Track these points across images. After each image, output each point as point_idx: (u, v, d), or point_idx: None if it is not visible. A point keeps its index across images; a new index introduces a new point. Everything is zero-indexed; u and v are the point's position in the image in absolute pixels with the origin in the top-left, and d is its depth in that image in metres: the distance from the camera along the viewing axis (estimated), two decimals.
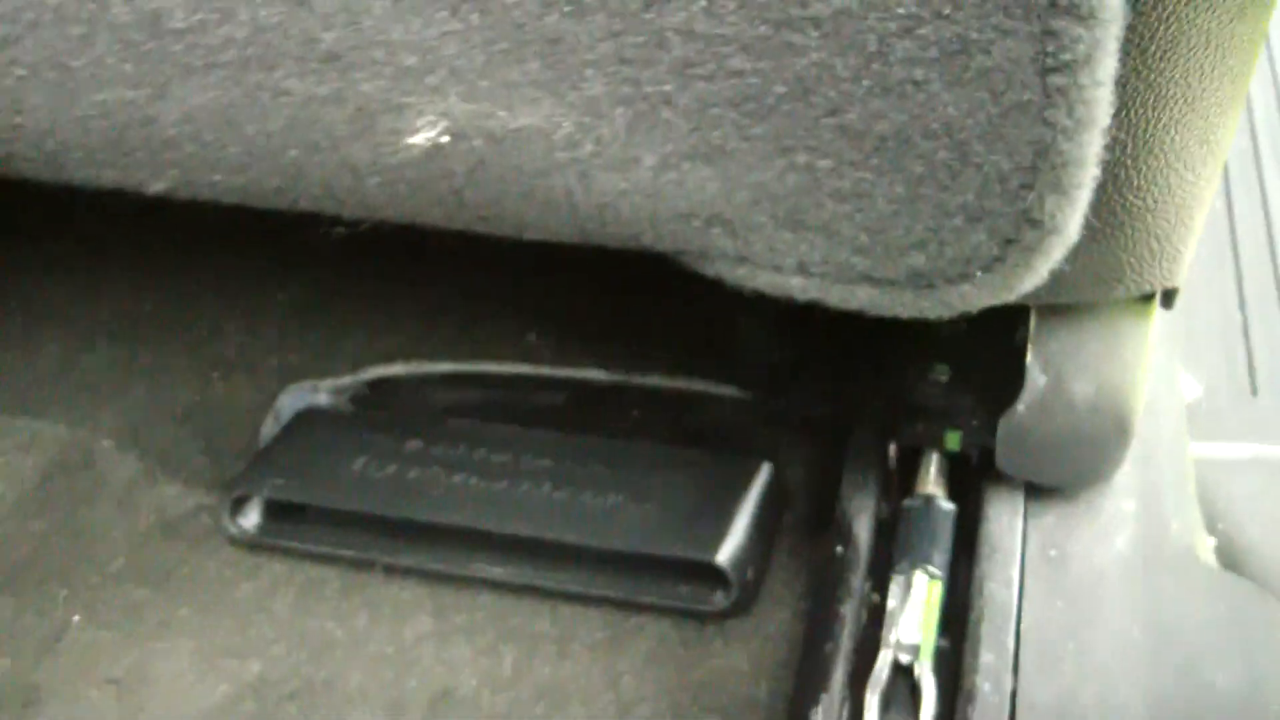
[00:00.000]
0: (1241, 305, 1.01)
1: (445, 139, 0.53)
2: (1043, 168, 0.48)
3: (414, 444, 0.85)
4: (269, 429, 0.92)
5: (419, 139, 0.53)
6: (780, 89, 0.49)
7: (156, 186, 0.60)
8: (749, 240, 0.55)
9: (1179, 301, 0.96)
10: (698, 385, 0.90)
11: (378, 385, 0.94)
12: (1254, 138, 1.21)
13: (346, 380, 0.94)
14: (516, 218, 0.56)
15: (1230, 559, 0.77)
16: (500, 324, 0.96)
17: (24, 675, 0.76)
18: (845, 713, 0.65)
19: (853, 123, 0.49)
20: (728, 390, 0.89)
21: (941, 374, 0.74)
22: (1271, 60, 1.37)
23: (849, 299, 0.56)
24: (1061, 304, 0.64)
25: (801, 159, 0.51)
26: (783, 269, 0.56)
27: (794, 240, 0.54)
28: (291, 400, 0.93)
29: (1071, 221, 0.51)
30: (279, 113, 0.54)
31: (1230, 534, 0.79)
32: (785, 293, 0.57)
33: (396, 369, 0.94)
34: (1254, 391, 0.94)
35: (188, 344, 1.00)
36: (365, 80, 0.52)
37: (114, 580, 0.82)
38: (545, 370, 0.92)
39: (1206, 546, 0.77)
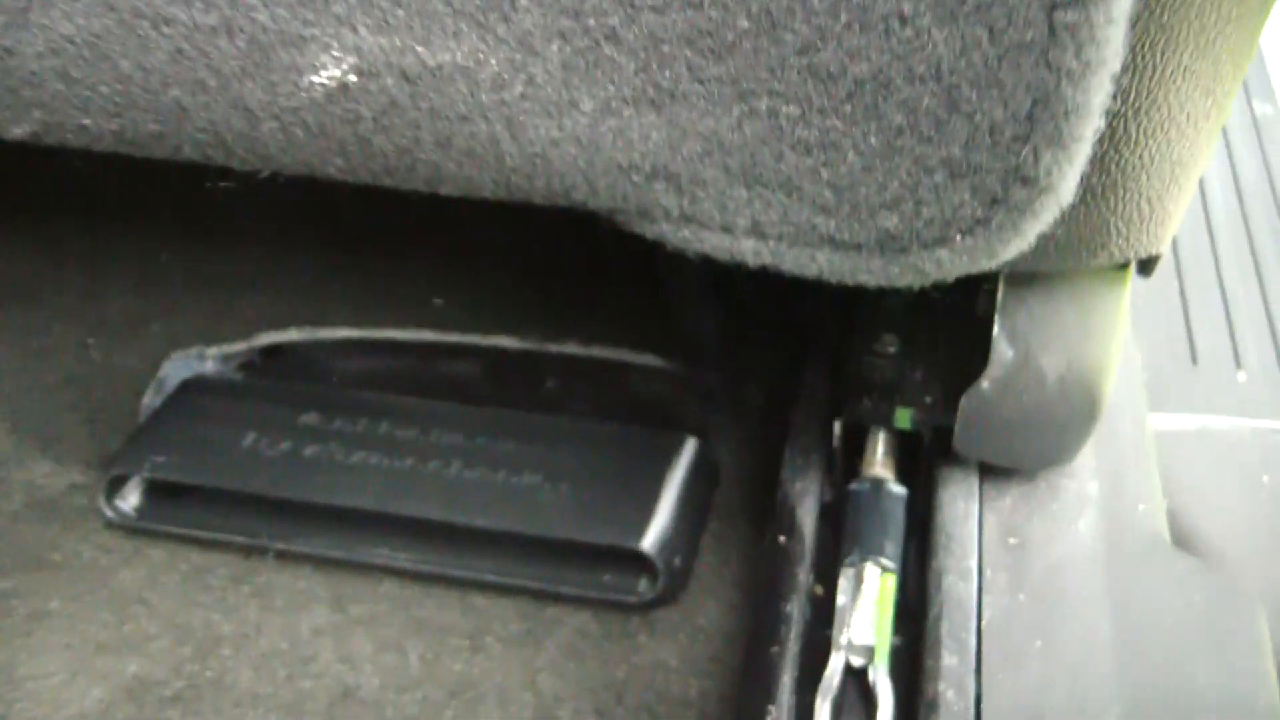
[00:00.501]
0: (1179, 275, 0.98)
1: (352, 78, 0.46)
2: (1041, 118, 0.42)
3: (310, 417, 0.79)
4: (151, 400, 0.85)
5: (322, 77, 0.46)
6: (744, 23, 0.43)
7: (17, 130, 0.52)
8: (696, 197, 0.48)
9: None
10: (619, 354, 0.84)
11: (271, 353, 0.88)
12: None
13: (238, 347, 0.87)
14: (431, 169, 0.50)
15: (1180, 534, 0.73)
16: (404, 287, 0.89)
17: None
18: (794, 716, 0.60)
19: (825, 63, 0.43)
20: (651, 360, 0.84)
21: (890, 345, 0.69)
22: None
23: (808, 265, 0.50)
24: (1034, 272, 0.58)
25: (763, 105, 0.45)
26: (734, 230, 0.49)
27: (748, 198, 0.48)
28: (176, 369, 0.87)
29: (1068, 179, 0.45)
30: (159, 45, 0.47)
31: (1178, 509, 0.75)
32: (736, 257, 0.51)
33: (291, 335, 0.87)
34: (1194, 361, 0.90)
35: (63, 307, 0.93)
36: (260, 8, 0.45)
37: None
38: (453, 337, 0.85)
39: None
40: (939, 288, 0.52)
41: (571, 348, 0.84)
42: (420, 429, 0.77)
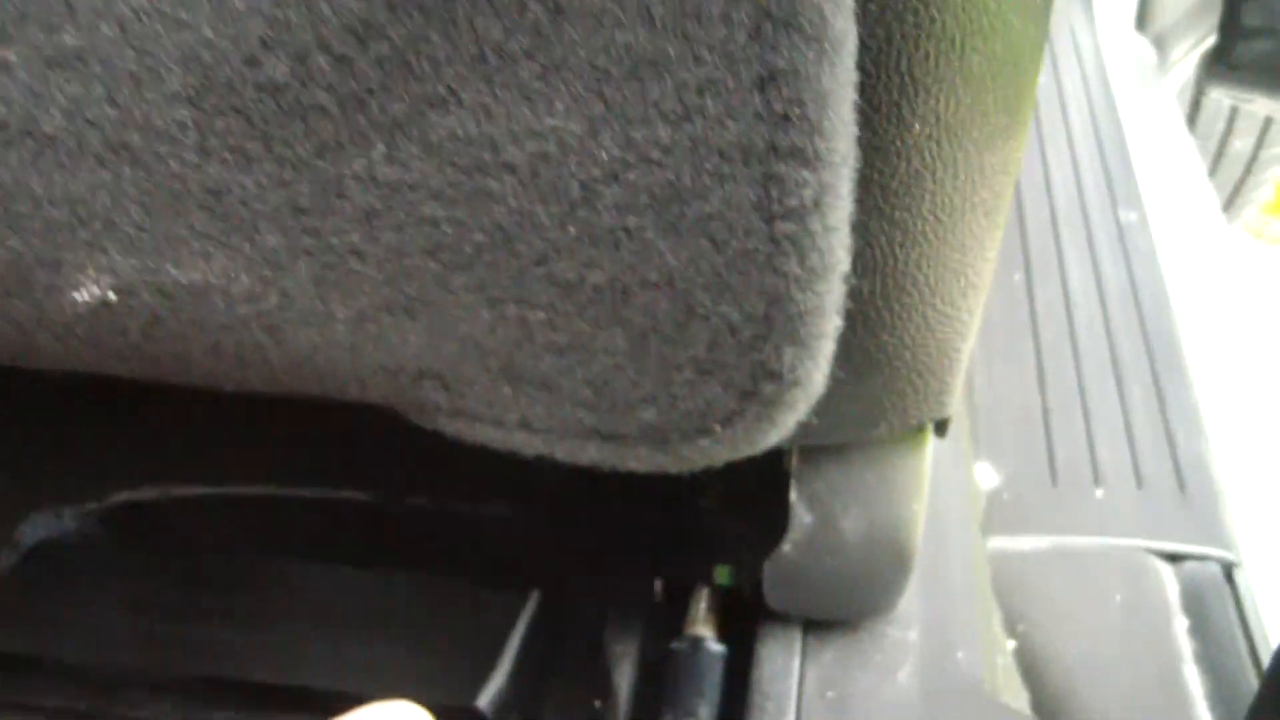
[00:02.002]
0: (1041, 391, 0.99)
1: (112, 295, 0.47)
2: (777, 318, 0.44)
3: (153, 585, 0.78)
4: (7, 561, 0.84)
5: (84, 295, 0.47)
6: (480, 237, 0.44)
7: None
8: (464, 394, 0.49)
9: (979, 387, 0.93)
10: (465, 507, 0.84)
11: (127, 508, 0.87)
12: (1054, 220, 1.19)
13: (94, 506, 0.87)
14: (207, 372, 0.51)
15: (1030, 662, 0.74)
16: (255, 440, 0.89)
17: None
18: None
19: (563, 272, 0.44)
20: (498, 511, 0.84)
21: (708, 502, 0.69)
22: (1067, 124, 1.36)
23: (579, 455, 0.51)
24: (823, 442, 0.59)
25: (512, 311, 0.46)
26: (505, 424, 0.50)
27: (513, 394, 0.49)
28: (34, 530, 0.86)
29: (814, 373, 0.46)
30: None
31: (1030, 634, 0.76)
32: (510, 448, 0.51)
33: (144, 493, 0.87)
34: (1054, 481, 0.91)
35: None
36: (11, 235, 0.46)
37: None
38: (304, 492, 0.85)
39: (1006, 651, 0.73)
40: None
41: (418, 500, 0.84)
42: (263, 593, 0.77)
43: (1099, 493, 0.89)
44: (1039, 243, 1.15)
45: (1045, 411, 0.97)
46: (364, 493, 0.85)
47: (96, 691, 0.75)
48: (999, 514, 0.85)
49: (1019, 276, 1.10)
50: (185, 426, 0.90)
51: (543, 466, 0.82)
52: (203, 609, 0.76)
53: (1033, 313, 1.05)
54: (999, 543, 0.82)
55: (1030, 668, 0.74)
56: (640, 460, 0.50)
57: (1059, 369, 1.00)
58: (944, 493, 0.76)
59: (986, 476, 0.89)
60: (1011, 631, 0.76)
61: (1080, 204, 1.21)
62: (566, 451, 0.51)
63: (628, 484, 0.76)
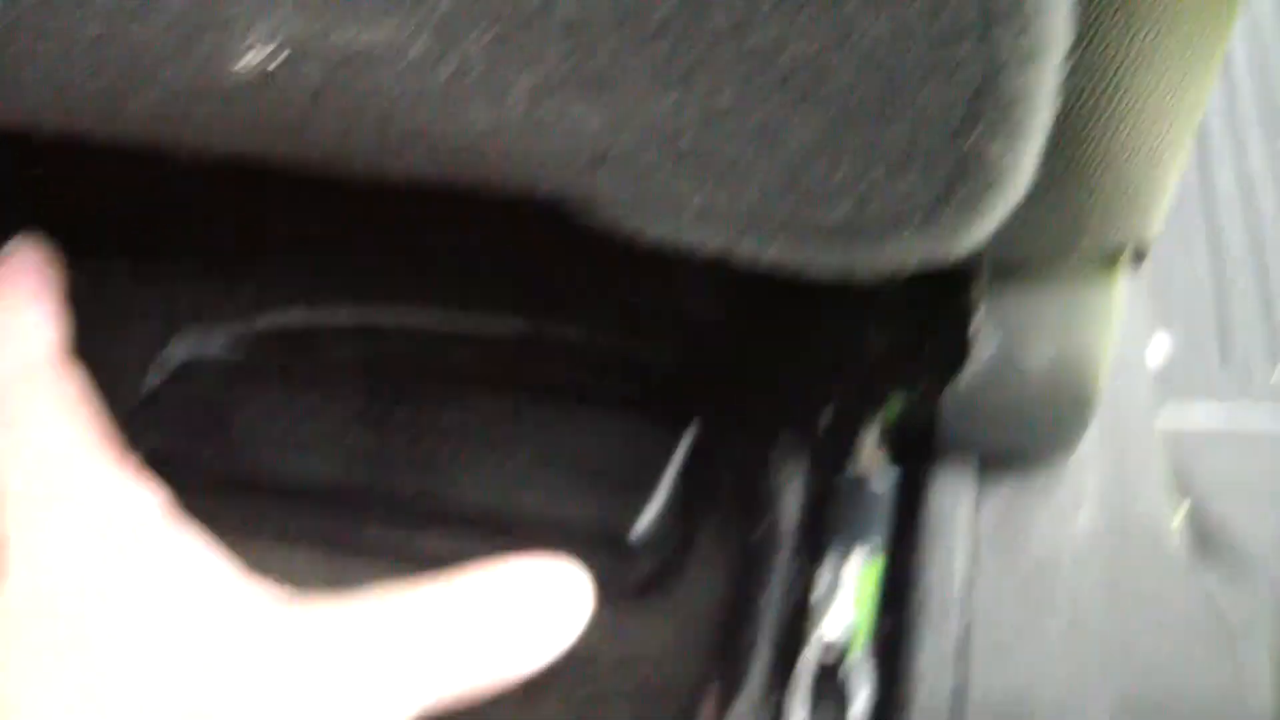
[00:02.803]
0: (1217, 261, 0.95)
1: (281, 60, 0.45)
2: (986, 103, 0.40)
3: (304, 399, 0.78)
4: (156, 380, 0.84)
5: (250, 59, 0.45)
6: (670, 3, 0.41)
7: None
8: (642, 184, 0.47)
9: (1150, 255, 0.89)
10: (623, 339, 0.82)
11: (274, 334, 0.86)
12: (1232, 90, 1.14)
13: (241, 327, 0.86)
14: (373, 153, 0.48)
15: (1200, 533, 0.71)
16: (411, 267, 0.88)
17: None
18: (765, 714, 0.58)
19: (759, 45, 0.41)
20: (658, 345, 0.82)
21: (883, 331, 0.67)
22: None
23: (761, 251, 0.48)
24: (1016, 262, 0.56)
25: (699, 89, 0.43)
26: (682, 217, 0.48)
27: (695, 184, 0.46)
28: (182, 350, 0.85)
29: (1019, 169, 0.43)
30: (82, 29, 0.45)
31: (1201, 507, 0.73)
32: (687, 245, 0.49)
33: (292, 317, 0.86)
34: (1228, 355, 0.87)
35: (66, 290, 0.91)
36: None
37: None
38: (455, 319, 0.84)
39: (1179, 519, 0.71)
40: (930, 275, 0.50)
41: (574, 331, 0.82)
42: (412, 408, 0.76)
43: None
44: (1217, 114, 1.11)
45: (1219, 283, 0.93)
46: (517, 323, 0.83)
47: (275, 503, 0.76)
48: (1170, 385, 0.82)
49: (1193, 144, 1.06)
50: (337, 254, 0.88)
51: (707, 301, 0.81)
52: (358, 421, 0.76)
53: (1206, 182, 1.01)
54: (1169, 414, 0.79)
55: (1200, 539, 0.71)
56: (827, 261, 0.48)
57: (1234, 241, 0.96)
58: (1123, 341, 0.73)
59: (1159, 346, 0.86)
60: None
61: (1264, 83, 1.16)
62: (749, 248, 0.48)
63: (797, 314, 0.74)
